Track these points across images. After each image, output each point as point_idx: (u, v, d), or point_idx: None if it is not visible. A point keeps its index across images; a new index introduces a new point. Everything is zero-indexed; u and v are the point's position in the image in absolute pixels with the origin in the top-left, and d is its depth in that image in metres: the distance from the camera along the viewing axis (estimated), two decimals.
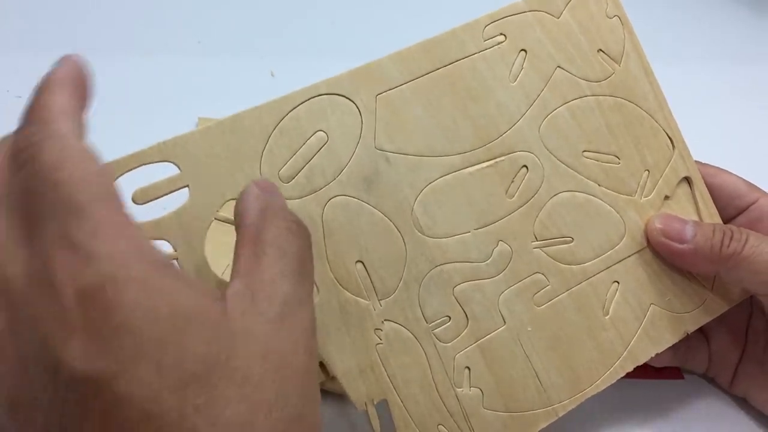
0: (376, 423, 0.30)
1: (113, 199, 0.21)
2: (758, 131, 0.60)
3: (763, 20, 0.72)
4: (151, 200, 0.28)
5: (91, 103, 0.25)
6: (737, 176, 0.39)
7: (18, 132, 0.22)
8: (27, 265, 0.20)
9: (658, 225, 0.36)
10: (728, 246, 0.34)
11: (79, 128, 0.23)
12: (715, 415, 0.41)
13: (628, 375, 0.35)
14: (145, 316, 0.19)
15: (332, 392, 0.38)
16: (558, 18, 0.35)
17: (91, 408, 0.19)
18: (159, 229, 0.28)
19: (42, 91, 0.23)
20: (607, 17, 0.36)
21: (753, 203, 0.38)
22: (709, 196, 0.38)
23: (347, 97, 0.32)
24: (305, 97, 0.31)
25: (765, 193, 0.39)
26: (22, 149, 0.21)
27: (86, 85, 0.24)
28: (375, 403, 0.31)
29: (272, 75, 0.58)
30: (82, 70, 0.24)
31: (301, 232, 0.25)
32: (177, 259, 0.28)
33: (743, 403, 0.41)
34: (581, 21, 0.36)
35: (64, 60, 0.24)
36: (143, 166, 0.28)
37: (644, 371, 0.38)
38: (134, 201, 0.28)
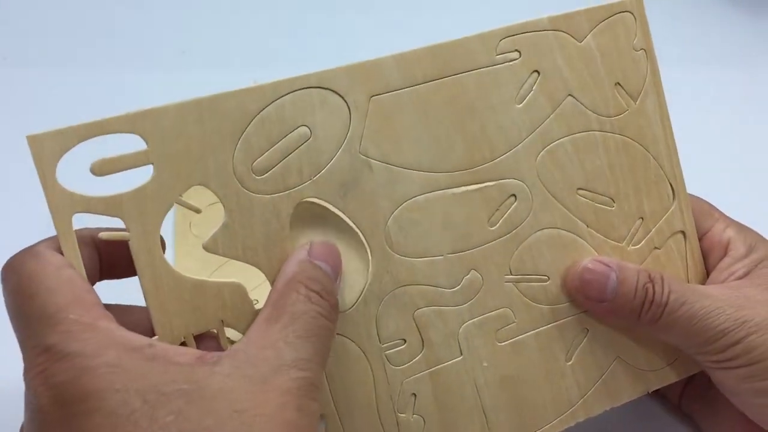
0: None
1: (82, 302, 0.24)
2: (756, 135, 0.58)
3: (760, 23, 0.70)
4: (112, 173, 0.27)
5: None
6: (697, 200, 0.36)
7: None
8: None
9: (576, 282, 0.33)
10: (647, 311, 0.32)
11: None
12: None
13: None
14: (118, 397, 0.22)
15: None
16: (580, 42, 0.33)
17: None
18: (114, 205, 0.27)
19: None
20: (633, 49, 0.34)
21: (706, 233, 0.36)
22: (700, 253, 0.36)
23: (339, 94, 0.30)
24: (294, 87, 0.29)
25: (719, 217, 0.36)
26: (6, 265, 0.25)
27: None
28: None
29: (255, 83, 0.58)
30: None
31: (321, 301, 0.27)
32: (129, 240, 0.27)
33: (692, 421, 0.40)
34: (604, 49, 0.33)
35: None
36: (109, 136, 0.27)
37: None
38: (93, 172, 0.26)
